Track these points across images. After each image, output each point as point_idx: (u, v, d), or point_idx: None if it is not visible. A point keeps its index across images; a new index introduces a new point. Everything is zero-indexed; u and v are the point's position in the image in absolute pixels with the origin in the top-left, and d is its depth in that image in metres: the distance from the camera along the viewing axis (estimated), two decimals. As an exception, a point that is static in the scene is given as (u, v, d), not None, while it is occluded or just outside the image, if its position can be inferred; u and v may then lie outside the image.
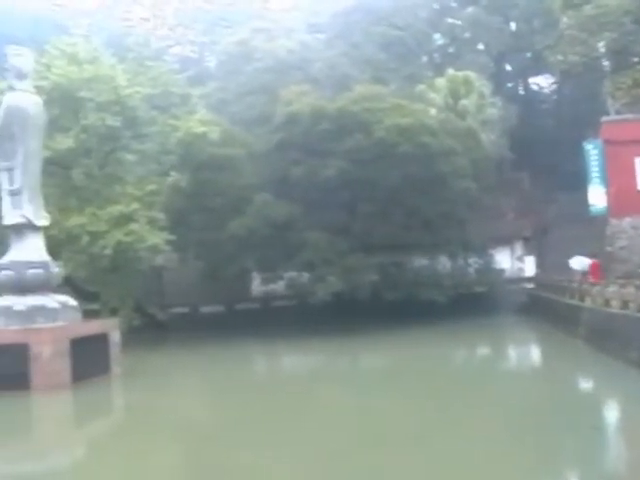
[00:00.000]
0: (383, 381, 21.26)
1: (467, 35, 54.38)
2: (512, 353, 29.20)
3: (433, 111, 39.88)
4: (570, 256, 32.36)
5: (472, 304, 36.44)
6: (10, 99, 22.71)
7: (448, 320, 33.00)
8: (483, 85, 44.44)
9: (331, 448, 12.93)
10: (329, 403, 17.87)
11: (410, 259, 36.98)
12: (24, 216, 22.36)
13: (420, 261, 37.69)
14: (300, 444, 13.42)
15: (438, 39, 57.53)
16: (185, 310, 39.72)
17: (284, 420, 15.78)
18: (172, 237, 30.16)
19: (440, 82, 43.53)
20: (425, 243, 35.26)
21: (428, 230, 35.29)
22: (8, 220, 22.54)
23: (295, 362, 29.01)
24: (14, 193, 22.45)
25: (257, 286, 40.27)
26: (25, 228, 22.57)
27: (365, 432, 14.26)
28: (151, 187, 31.38)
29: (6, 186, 22.53)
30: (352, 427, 14.80)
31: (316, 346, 30.20)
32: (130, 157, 32.67)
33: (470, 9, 53.94)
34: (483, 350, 29.75)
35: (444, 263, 38.49)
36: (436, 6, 56.07)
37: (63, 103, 29.85)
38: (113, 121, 30.10)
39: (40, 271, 22.20)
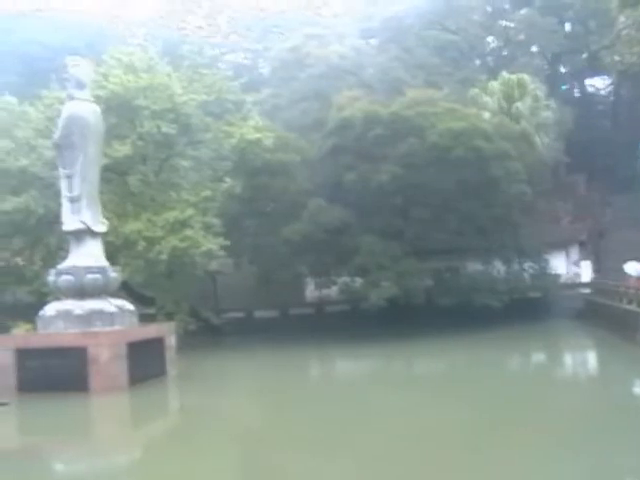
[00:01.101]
0: (438, 387, 21.16)
1: (521, 37, 53.87)
2: (568, 359, 28.75)
3: (487, 115, 39.49)
4: (627, 261, 31.78)
5: (527, 309, 35.97)
6: (70, 108, 23.20)
7: (503, 326, 32.67)
8: (537, 88, 43.84)
9: (384, 453, 12.95)
10: (383, 408, 17.80)
11: (464, 264, 36.79)
12: (83, 222, 22.82)
13: (474, 266, 37.42)
14: (354, 448, 13.42)
15: (491, 42, 57.14)
16: (239, 315, 40.06)
17: (337, 423, 15.83)
18: (227, 242, 30.34)
19: (494, 85, 43.10)
20: (479, 248, 35.02)
21: (482, 235, 34.99)
22: (68, 226, 23.00)
23: (348, 367, 29.02)
24: (73, 200, 22.91)
25: (311, 291, 40.47)
26: (84, 234, 23.00)
27: (419, 437, 14.24)
28: (206, 193, 31.62)
29: (66, 193, 22.99)
30: (405, 432, 14.76)
31: (370, 351, 30.14)
32: (185, 163, 33.10)
33: (524, 11, 53.43)
34: (538, 356, 29.36)
35: (499, 268, 38.06)
36: (489, 9, 55.67)
37: (120, 111, 30.28)
38: (168, 128, 30.47)
39: (98, 276, 22.63)
